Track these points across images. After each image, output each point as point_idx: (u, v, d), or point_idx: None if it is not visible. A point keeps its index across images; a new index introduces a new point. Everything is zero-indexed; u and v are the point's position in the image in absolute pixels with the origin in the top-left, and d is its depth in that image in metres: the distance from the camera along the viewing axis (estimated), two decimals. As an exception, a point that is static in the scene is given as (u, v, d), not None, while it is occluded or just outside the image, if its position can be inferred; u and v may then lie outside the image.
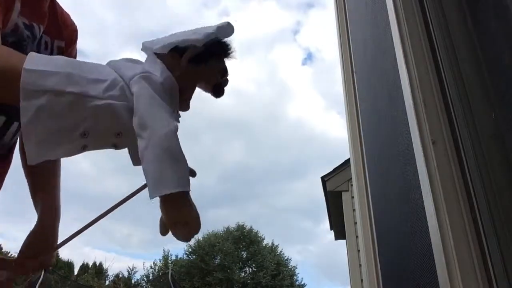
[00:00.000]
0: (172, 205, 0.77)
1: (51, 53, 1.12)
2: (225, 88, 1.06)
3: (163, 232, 0.84)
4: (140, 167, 0.80)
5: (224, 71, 1.06)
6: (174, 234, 0.79)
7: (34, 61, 0.84)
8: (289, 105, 38.25)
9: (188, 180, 0.79)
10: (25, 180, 1.18)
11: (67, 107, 0.83)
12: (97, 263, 20.68)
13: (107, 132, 0.90)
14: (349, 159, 2.42)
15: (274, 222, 35.90)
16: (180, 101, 0.99)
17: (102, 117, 0.86)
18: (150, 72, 0.92)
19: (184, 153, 0.80)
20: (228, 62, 1.06)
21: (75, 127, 0.85)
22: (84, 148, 0.90)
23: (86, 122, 0.85)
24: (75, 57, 1.22)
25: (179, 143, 0.81)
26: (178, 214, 0.77)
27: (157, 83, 0.90)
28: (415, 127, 1.00)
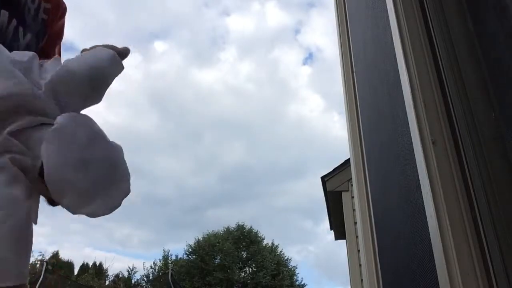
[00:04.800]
0: None
1: (37, 10, 1.10)
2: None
3: None
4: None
5: None
6: None
7: None
8: (289, 105, 38.22)
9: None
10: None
11: None
12: (97, 263, 20.69)
13: None
14: (349, 159, 2.42)
15: (274, 222, 35.88)
16: None
17: None
18: None
19: (28, 237, 0.74)
20: None
21: None
22: None
23: None
24: (58, 33, 1.20)
25: (26, 228, 0.74)
26: None
27: None
28: (415, 127, 1.00)
